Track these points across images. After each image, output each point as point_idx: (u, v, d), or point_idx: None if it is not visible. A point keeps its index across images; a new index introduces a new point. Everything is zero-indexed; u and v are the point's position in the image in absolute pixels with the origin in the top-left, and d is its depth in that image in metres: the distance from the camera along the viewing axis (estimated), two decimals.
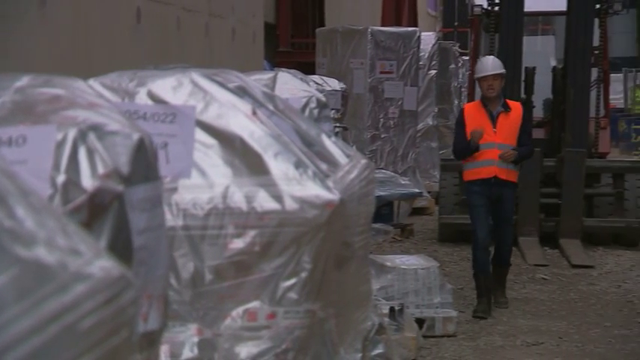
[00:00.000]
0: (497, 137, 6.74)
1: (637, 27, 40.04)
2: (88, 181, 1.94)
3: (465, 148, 6.78)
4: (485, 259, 6.86)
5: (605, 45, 10.39)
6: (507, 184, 6.80)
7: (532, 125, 7.48)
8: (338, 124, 7.49)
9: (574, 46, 9.50)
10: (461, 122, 6.89)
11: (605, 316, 6.88)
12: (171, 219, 3.09)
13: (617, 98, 27.09)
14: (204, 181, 3.15)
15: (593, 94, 9.99)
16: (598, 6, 9.95)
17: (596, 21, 10.04)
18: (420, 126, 12.23)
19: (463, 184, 9.82)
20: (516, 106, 6.97)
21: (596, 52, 10.13)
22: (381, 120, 11.29)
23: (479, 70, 6.99)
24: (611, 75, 12.62)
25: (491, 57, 7.26)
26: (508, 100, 7.00)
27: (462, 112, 7.08)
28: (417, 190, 10.34)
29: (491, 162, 6.73)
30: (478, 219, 6.84)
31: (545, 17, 23.24)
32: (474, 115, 6.83)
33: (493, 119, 6.77)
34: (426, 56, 12.60)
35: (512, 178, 6.85)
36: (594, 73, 10.14)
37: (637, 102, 27.40)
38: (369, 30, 11.16)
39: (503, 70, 6.94)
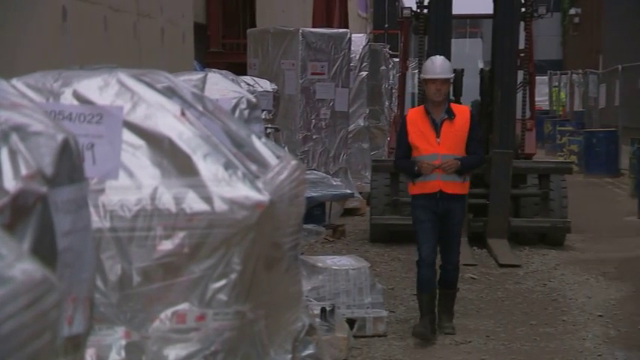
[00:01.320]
0: (441, 148, 6.15)
1: (561, 30, 40.91)
2: (10, 183, 1.91)
3: (406, 169, 6.32)
4: (429, 277, 6.26)
5: (530, 48, 10.59)
6: (455, 197, 6.21)
7: (480, 133, 6.62)
8: (269, 125, 7.49)
9: (500, 48, 9.65)
10: (403, 130, 6.30)
11: (531, 315, 7.01)
12: (98, 221, 3.06)
13: (542, 100, 27.70)
14: (131, 183, 3.11)
15: (519, 96, 10.17)
16: (523, 9, 10.13)
17: (522, 24, 10.22)
18: (351, 127, 12.30)
19: (394, 184, 9.89)
20: (463, 111, 6.33)
21: (522, 54, 10.31)
22: (313, 121, 11.32)
23: (427, 71, 6.35)
24: (537, 77, 12.88)
25: (442, 58, 6.49)
26: (454, 105, 6.44)
27: (404, 119, 6.42)
28: (348, 191, 10.39)
29: (434, 176, 6.14)
30: (423, 234, 6.21)
31: (473, 20, 23.58)
32: (417, 123, 6.22)
33: (436, 128, 6.17)
34: (356, 58, 12.67)
35: (460, 190, 6.25)
36: (520, 75, 10.32)
37: (562, 103, 28.04)
38: (300, 31, 11.18)
39: (452, 75, 6.45)
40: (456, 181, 6.19)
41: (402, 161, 6.32)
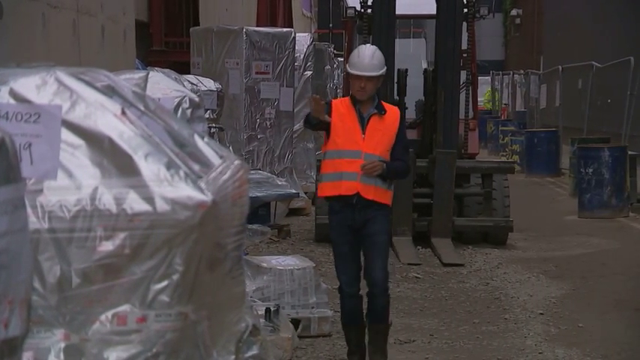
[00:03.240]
0: (366, 145, 5.27)
1: (503, 31, 41.46)
2: None
3: (309, 119, 5.34)
4: (355, 307, 5.43)
5: (473, 48, 10.68)
6: (374, 205, 5.27)
7: (407, 138, 5.63)
8: (214, 125, 7.45)
9: (444, 49, 9.73)
10: (327, 108, 5.38)
11: (474, 313, 7.07)
12: (36, 221, 3.01)
13: (485, 100, 28.04)
14: (71, 183, 3.07)
15: (462, 96, 10.26)
16: (466, 10, 10.21)
17: (465, 25, 10.31)
18: (296, 127, 12.29)
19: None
20: (393, 110, 5.46)
21: (465, 55, 10.40)
22: (258, 121, 11.29)
23: (353, 65, 5.39)
24: (479, 77, 13.01)
25: (372, 49, 5.48)
26: (384, 103, 5.50)
27: (329, 104, 5.47)
28: (293, 191, 10.37)
29: (353, 175, 5.23)
30: (341, 262, 5.35)
31: (417, 20, 23.76)
32: (342, 114, 5.35)
33: (363, 122, 5.31)
34: (301, 57, 12.66)
35: (382, 198, 5.30)
36: (463, 75, 10.41)
37: (498, 104, 28.48)
38: (244, 30, 11.14)
39: (382, 72, 5.39)
40: (379, 187, 5.28)
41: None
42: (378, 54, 5.45)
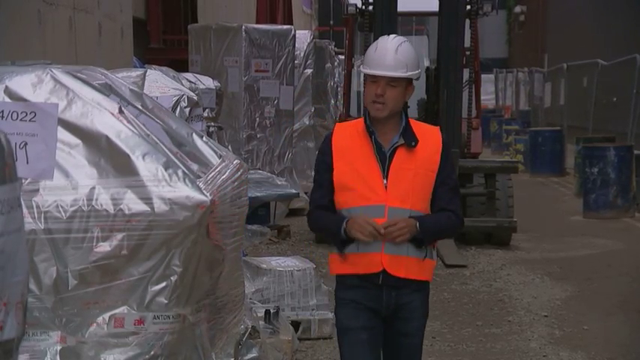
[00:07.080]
0: (390, 196, 3.48)
1: (507, 28, 41.41)
2: None
3: (328, 230, 3.55)
4: None
5: (476, 46, 10.61)
6: (411, 285, 3.53)
7: (454, 176, 3.72)
8: (212, 124, 7.39)
9: (446, 46, 9.66)
10: (325, 159, 3.59)
11: (477, 315, 7.01)
12: (31, 222, 2.97)
13: (488, 99, 27.98)
14: (67, 183, 3.03)
15: (465, 94, 10.19)
16: (469, 7, 10.15)
17: (468, 22, 10.25)
18: (296, 126, 12.24)
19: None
20: (431, 136, 3.60)
21: (468, 52, 10.33)
22: (257, 119, 11.23)
23: (369, 61, 3.57)
24: (483, 75, 12.94)
25: (397, 41, 3.58)
26: (416, 123, 3.64)
27: (329, 139, 3.59)
28: (293, 191, 10.31)
29: (375, 245, 3.46)
30: (352, 354, 3.63)
31: (419, 18, 23.70)
32: (350, 149, 3.53)
33: (384, 160, 3.50)
34: (301, 55, 12.61)
35: (418, 273, 3.54)
36: (466, 73, 10.34)
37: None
38: (244, 27, 11.08)
39: (412, 73, 3.54)
40: (412, 257, 3.51)
41: (320, 214, 3.57)
42: (407, 47, 3.57)
